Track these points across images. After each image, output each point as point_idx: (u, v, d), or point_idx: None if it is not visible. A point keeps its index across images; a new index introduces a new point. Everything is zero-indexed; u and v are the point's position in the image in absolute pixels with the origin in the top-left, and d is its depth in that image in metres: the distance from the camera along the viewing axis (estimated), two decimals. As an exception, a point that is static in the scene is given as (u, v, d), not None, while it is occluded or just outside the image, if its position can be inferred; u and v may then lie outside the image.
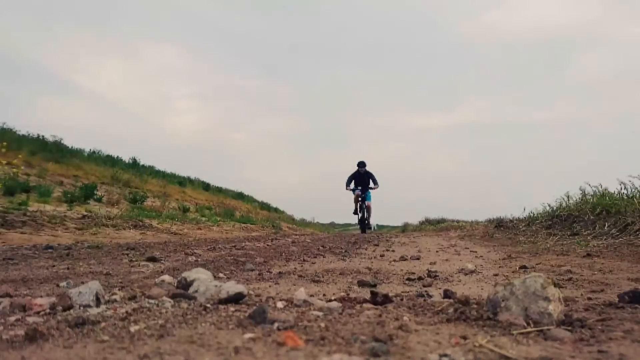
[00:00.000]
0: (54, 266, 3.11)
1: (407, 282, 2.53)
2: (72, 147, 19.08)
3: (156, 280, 2.12)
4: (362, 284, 2.32)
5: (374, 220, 13.36)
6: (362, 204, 12.17)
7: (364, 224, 12.39)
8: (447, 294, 1.72)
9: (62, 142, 18.56)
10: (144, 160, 23.21)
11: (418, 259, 4.09)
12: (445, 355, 0.90)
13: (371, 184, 12.09)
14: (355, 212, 12.39)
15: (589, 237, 5.57)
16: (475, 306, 1.35)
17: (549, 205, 8.91)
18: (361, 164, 12.09)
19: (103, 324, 1.11)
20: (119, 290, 1.83)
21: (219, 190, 27.36)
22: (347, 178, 12.26)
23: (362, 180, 12.09)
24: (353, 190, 12.09)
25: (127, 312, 1.25)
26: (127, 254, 4.07)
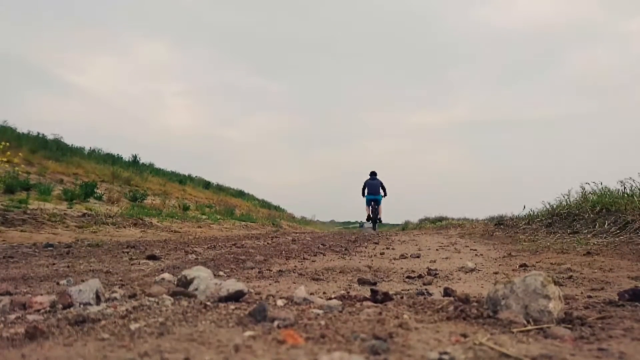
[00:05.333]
0: (54, 264, 3.11)
1: (407, 280, 2.53)
2: (72, 145, 19.08)
3: (156, 278, 2.12)
4: (362, 282, 2.32)
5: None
6: (374, 207, 14.45)
7: (374, 222, 14.62)
8: (447, 292, 1.72)
9: (62, 140, 18.58)
10: (144, 159, 23.22)
11: (418, 257, 4.09)
12: (446, 353, 0.90)
13: (381, 192, 14.48)
14: (369, 217, 14.83)
15: (589, 236, 5.57)
16: (475, 304, 1.35)
17: (549, 204, 8.90)
18: (373, 174, 14.59)
19: (103, 322, 1.11)
20: (119, 288, 1.84)
21: (219, 188, 27.37)
22: (362, 186, 14.61)
23: (373, 187, 14.44)
24: (367, 201, 14.46)
25: (127, 310, 1.25)
26: (127, 252, 4.07)
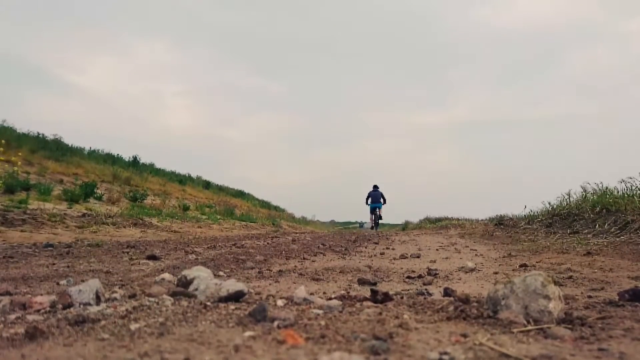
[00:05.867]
0: (54, 264, 3.11)
1: (407, 280, 2.53)
2: (72, 145, 19.05)
3: (156, 278, 2.12)
4: (362, 282, 2.32)
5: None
6: (376, 213, 17.43)
7: (376, 225, 17.58)
8: (447, 292, 1.72)
9: (62, 140, 18.55)
10: (144, 159, 23.19)
11: (418, 257, 4.09)
12: (446, 353, 0.90)
13: (381, 201, 17.40)
14: (371, 218, 17.97)
15: (589, 236, 5.57)
16: (475, 304, 1.35)
17: (549, 204, 8.91)
18: (375, 187, 17.51)
19: (103, 322, 1.11)
20: (119, 288, 1.84)
21: (219, 188, 27.37)
22: (366, 196, 17.46)
23: (375, 197, 17.44)
24: (371, 209, 17.34)
25: (127, 310, 1.25)
26: (127, 252, 4.08)
